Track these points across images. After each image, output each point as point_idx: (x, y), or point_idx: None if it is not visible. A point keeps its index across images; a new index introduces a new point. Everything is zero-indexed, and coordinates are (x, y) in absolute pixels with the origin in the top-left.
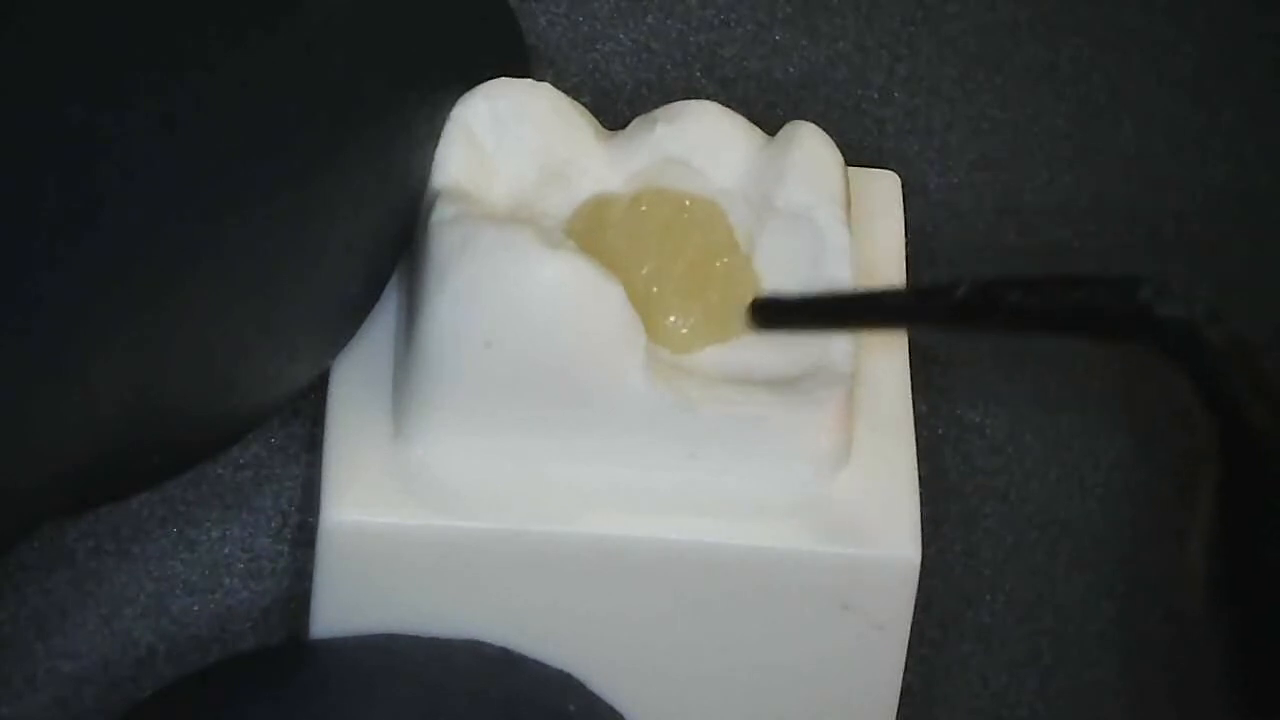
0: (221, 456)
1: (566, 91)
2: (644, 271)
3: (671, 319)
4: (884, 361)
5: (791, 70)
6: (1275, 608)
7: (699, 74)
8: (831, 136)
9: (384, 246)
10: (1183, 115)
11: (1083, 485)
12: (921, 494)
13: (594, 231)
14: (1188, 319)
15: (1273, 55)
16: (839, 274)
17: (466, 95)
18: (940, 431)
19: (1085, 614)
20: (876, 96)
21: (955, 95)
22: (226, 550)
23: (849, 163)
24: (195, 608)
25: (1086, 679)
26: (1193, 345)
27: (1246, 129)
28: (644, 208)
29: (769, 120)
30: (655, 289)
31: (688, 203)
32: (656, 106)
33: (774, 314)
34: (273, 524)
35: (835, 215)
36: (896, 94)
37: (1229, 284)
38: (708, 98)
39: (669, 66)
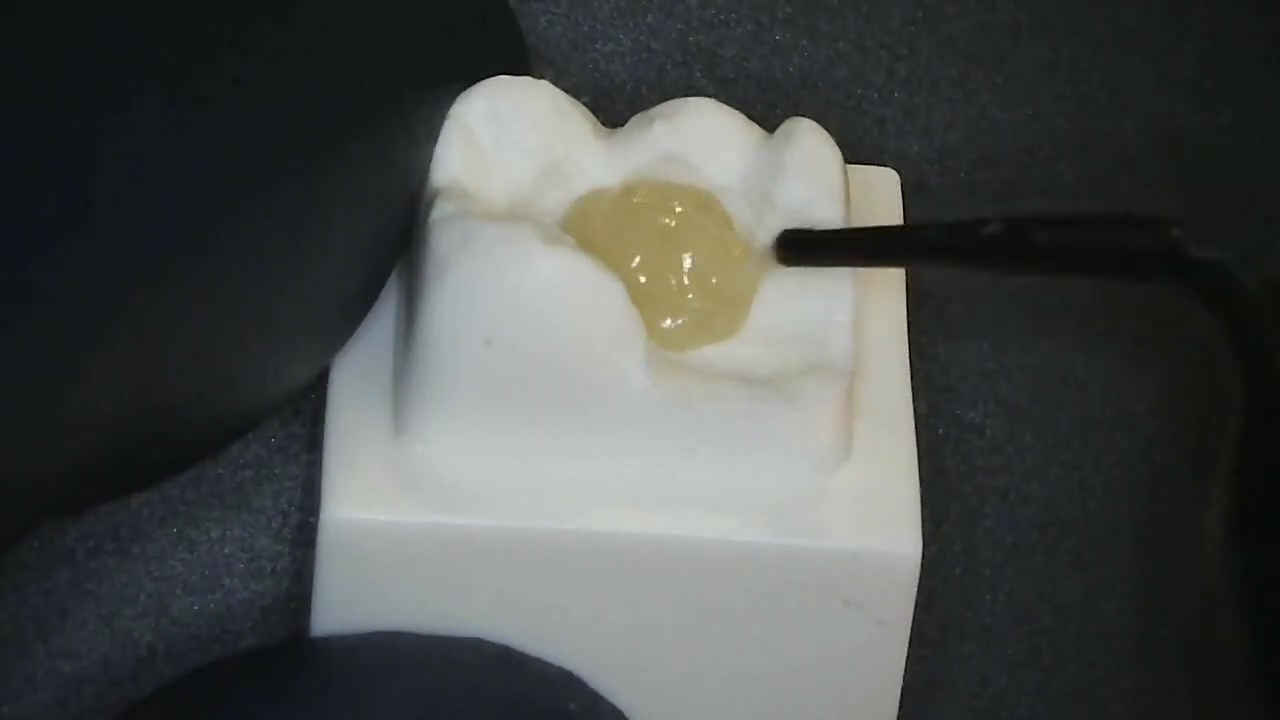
0: (221, 456)
1: (566, 91)
2: (635, 264)
3: (666, 318)
4: (884, 358)
5: (791, 70)
6: None
7: (699, 74)
8: (832, 136)
9: (383, 245)
10: (1183, 115)
11: (1083, 485)
12: (921, 493)
13: (585, 224)
14: (1220, 259)
15: (1273, 55)
16: (837, 270)
17: (465, 93)
18: (940, 431)
19: (1085, 614)
20: (876, 96)
21: (955, 95)
22: (226, 550)
23: (849, 162)
24: (195, 608)
25: (1086, 679)
26: (1224, 287)
27: (1246, 129)
28: (641, 201)
29: (769, 120)
30: (648, 283)
31: (683, 195)
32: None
33: (801, 248)
34: (273, 524)
35: (834, 211)
36: (896, 94)
37: None
38: (707, 97)
39: (669, 66)
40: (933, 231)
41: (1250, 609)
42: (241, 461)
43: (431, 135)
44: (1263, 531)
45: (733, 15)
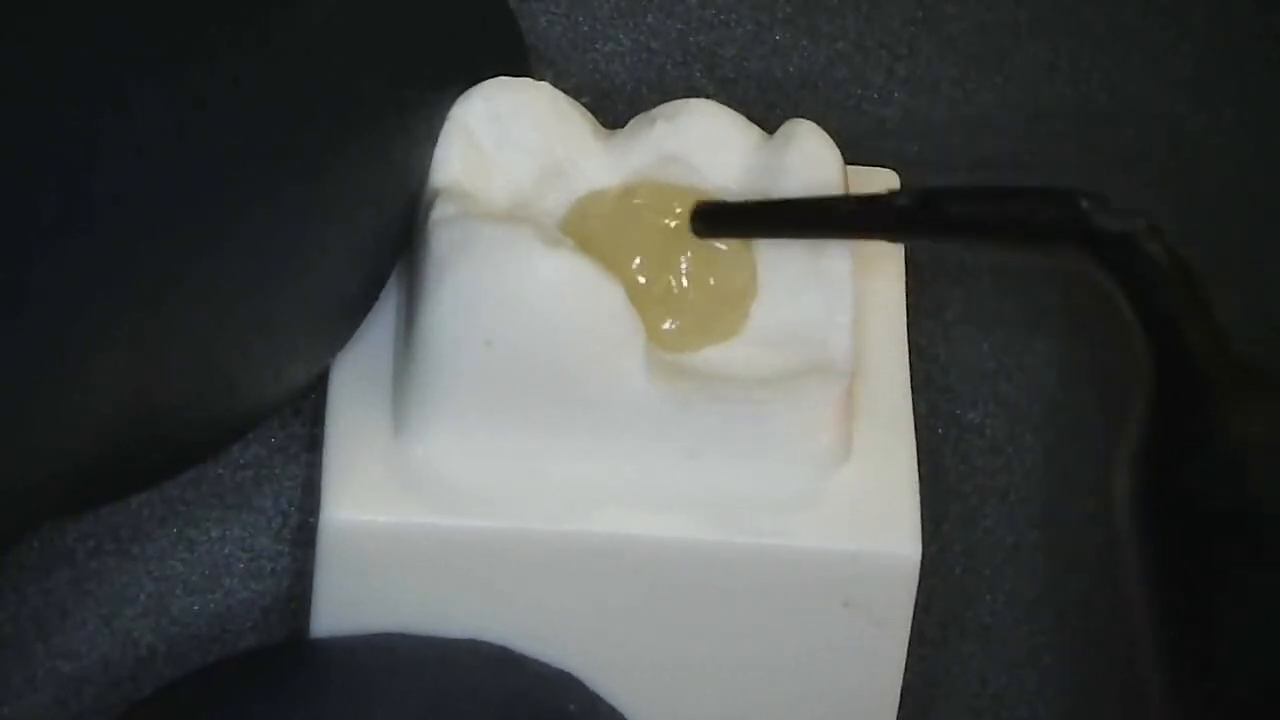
0: (221, 456)
1: (566, 92)
2: (635, 265)
3: (666, 319)
4: (884, 359)
5: (791, 70)
6: (1195, 522)
7: (699, 74)
8: (831, 136)
9: (383, 246)
10: (1183, 115)
11: (1083, 485)
12: (921, 493)
13: (585, 226)
14: (1125, 231)
15: (1273, 55)
16: (838, 268)
17: (465, 94)
18: (940, 431)
19: (1085, 614)
20: (876, 96)
21: (955, 95)
22: (226, 550)
23: (849, 162)
24: (195, 608)
25: (1086, 679)
26: (1128, 258)
27: (1246, 129)
28: (641, 202)
29: (769, 120)
30: (647, 285)
31: (683, 197)
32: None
33: (716, 220)
34: (273, 524)
35: None
36: (896, 94)
37: (1228, 283)
38: (707, 97)
39: (669, 66)
40: (846, 204)
41: (1153, 582)
42: (241, 461)
43: (431, 136)
44: (1166, 502)
45: (733, 15)
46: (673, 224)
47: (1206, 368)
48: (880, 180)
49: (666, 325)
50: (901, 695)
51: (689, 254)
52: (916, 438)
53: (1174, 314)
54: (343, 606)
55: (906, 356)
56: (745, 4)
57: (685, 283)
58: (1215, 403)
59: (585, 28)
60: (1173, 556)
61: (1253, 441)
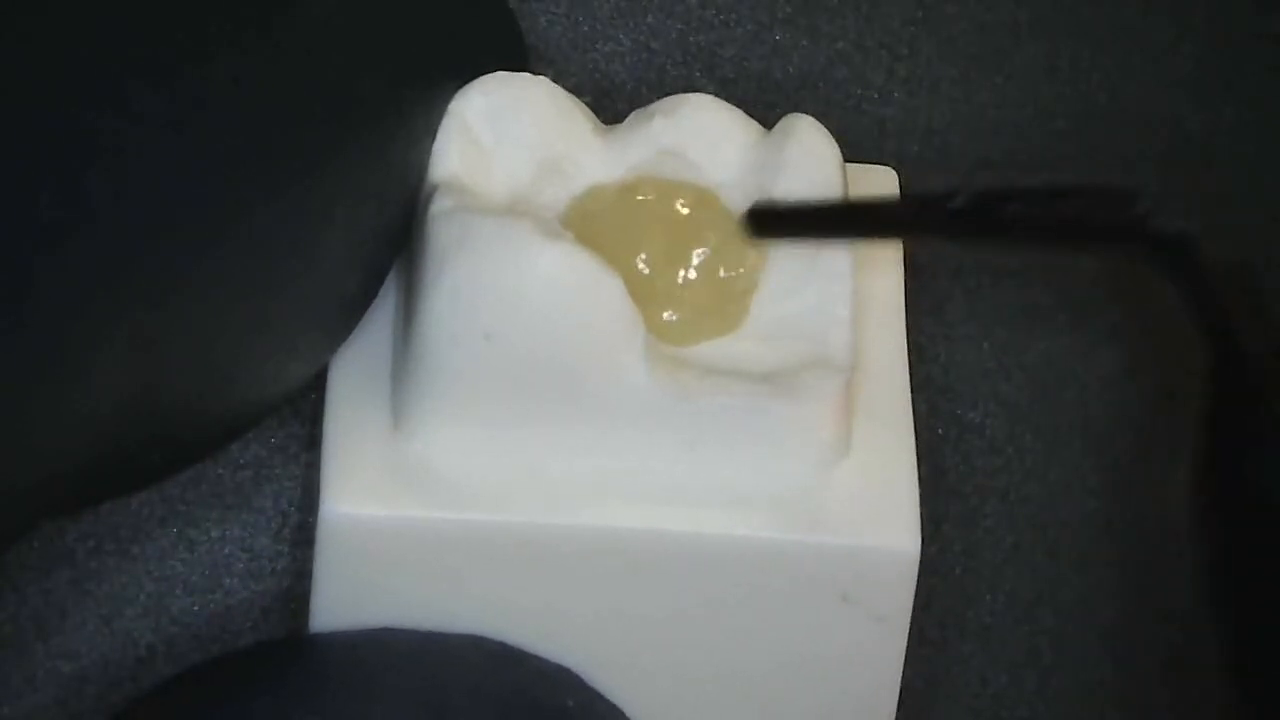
0: (221, 456)
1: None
2: (634, 260)
3: (666, 313)
4: (883, 354)
5: (791, 70)
6: (1259, 534)
7: (699, 74)
8: (832, 136)
9: (382, 243)
10: (1183, 115)
11: (1083, 485)
12: (921, 493)
13: (584, 220)
14: (1183, 233)
15: (1273, 55)
16: (837, 266)
17: (464, 89)
18: (940, 431)
19: (1085, 614)
20: (876, 96)
21: (955, 95)
22: (226, 550)
23: (848, 162)
24: (195, 608)
25: (1086, 679)
26: (1186, 260)
27: (1246, 129)
28: (640, 196)
29: (769, 120)
30: (647, 279)
31: (682, 191)
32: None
33: (770, 222)
34: (273, 524)
35: None
36: (896, 94)
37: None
38: None
39: (669, 66)
40: (901, 205)
41: (1220, 583)
42: (241, 461)
43: (431, 133)
44: (1231, 503)
45: (733, 15)
46: (672, 218)
47: (1266, 368)
48: (879, 178)
49: (666, 319)
50: (901, 695)
51: (688, 248)
52: (916, 437)
53: (1232, 316)
54: (342, 601)
55: (906, 352)
56: (745, 4)
57: (685, 277)
58: (1275, 401)
59: (585, 28)
60: (1238, 557)
61: None
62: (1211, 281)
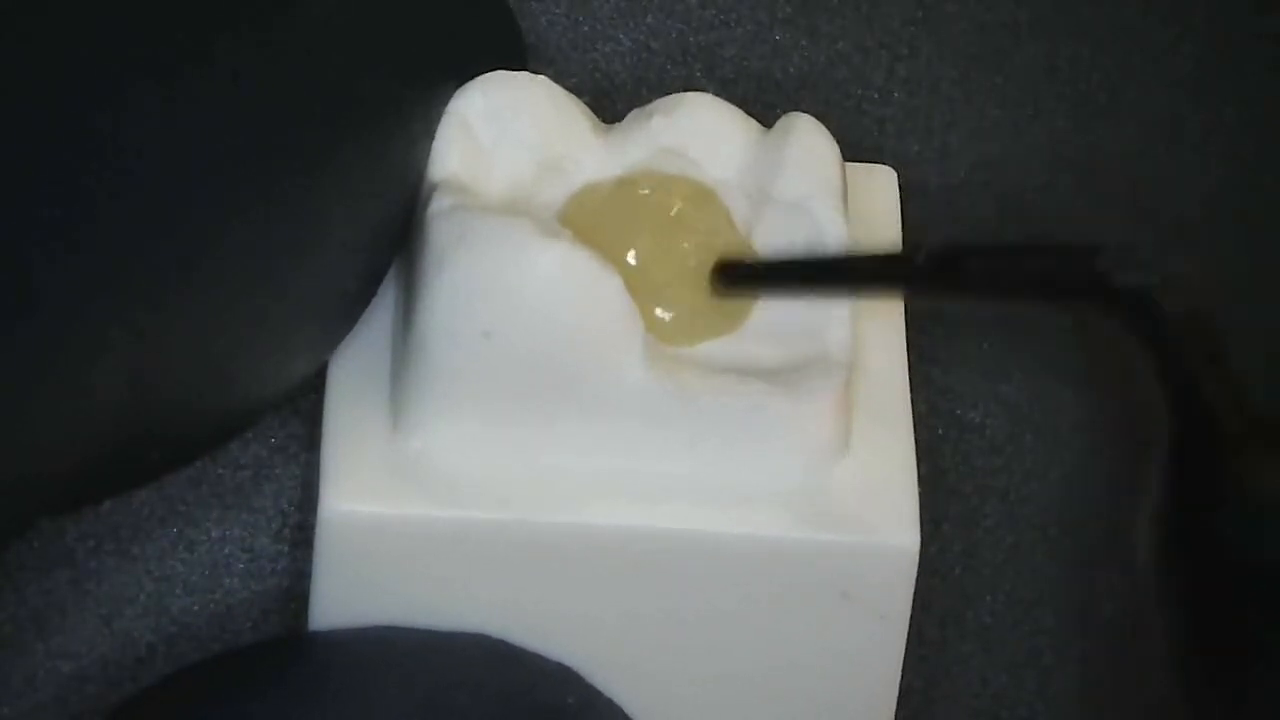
0: (221, 456)
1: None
2: (633, 258)
3: (665, 311)
4: (881, 353)
5: (791, 70)
6: (1219, 581)
7: (699, 74)
8: (832, 136)
9: (381, 241)
10: (1183, 115)
11: (1083, 485)
12: (921, 494)
13: (583, 218)
14: (1142, 287)
15: (1273, 55)
16: None
17: (463, 89)
18: (940, 431)
19: (1085, 614)
20: (876, 96)
21: (955, 95)
22: (226, 550)
23: (848, 161)
24: (195, 608)
25: (1086, 679)
26: (1146, 314)
27: (1246, 129)
28: (635, 193)
29: (769, 120)
30: (646, 277)
31: (681, 189)
32: None
33: (737, 277)
34: (273, 524)
35: (832, 206)
36: (896, 94)
37: (1228, 283)
38: None
39: (669, 66)
40: (865, 261)
41: (1182, 636)
42: (241, 461)
43: (430, 133)
44: (1188, 558)
45: (733, 15)
46: (671, 217)
47: (1225, 423)
48: (879, 178)
49: (666, 317)
50: (901, 695)
51: (689, 246)
52: (916, 437)
53: (1191, 370)
54: (341, 599)
55: (904, 351)
56: (745, 4)
57: (684, 276)
58: (1234, 458)
59: (585, 28)
60: (1197, 614)
61: (1272, 497)
62: (1171, 338)
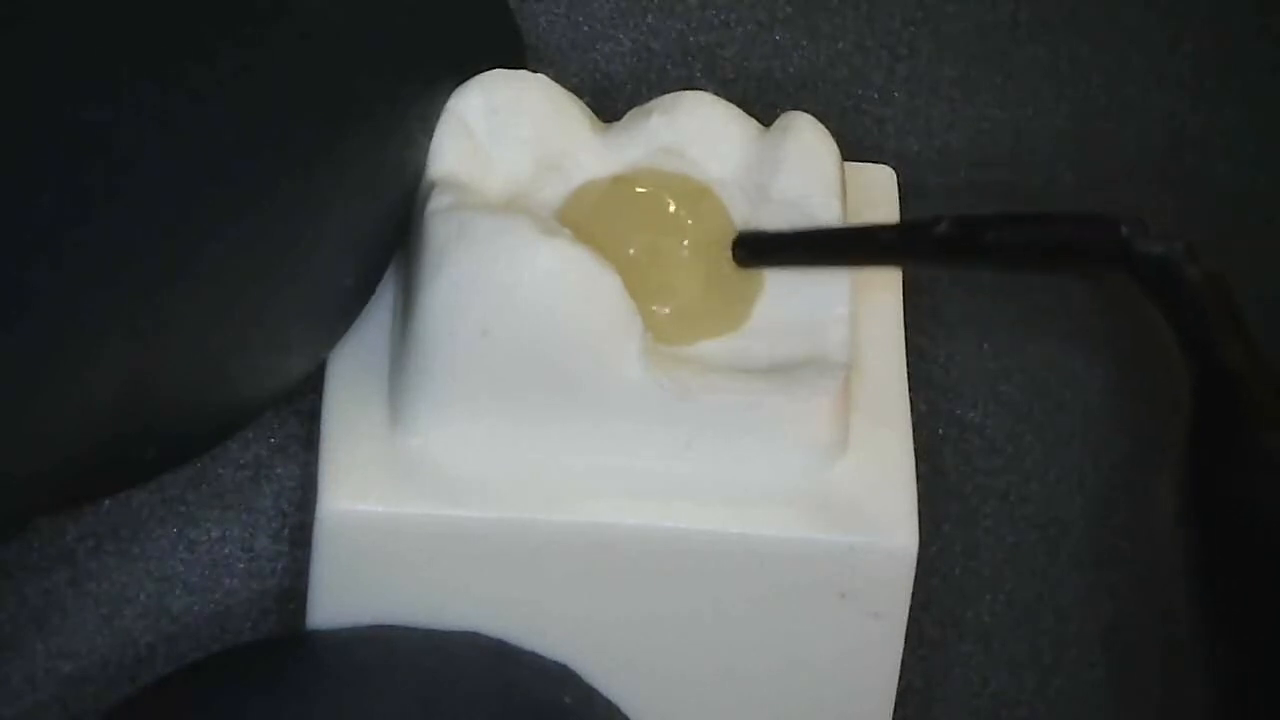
0: (221, 456)
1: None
2: (632, 256)
3: (663, 310)
4: (880, 352)
5: (791, 70)
6: (1241, 547)
7: (699, 74)
8: (831, 136)
9: (380, 239)
10: (1183, 115)
11: (1083, 485)
12: (921, 494)
13: (582, 216)
14: (1165, 255)
15: (1273, 55)
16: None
17: (461, 87)
18: (940, 431)
19: (1085, 614)
20: (876, 96)
21: (955, 95)
22: (226, 550)
23: (848, 161)
24: (195, 608)
25: (1086, 679)
26: (1169, 281)
27: (1246, 129)
28: (633, 192)
29: (769, 120)
30: (644, 276)
31: (680, 188)
32: None
33: (758, 248)
34: (273, 524)
35: (831, 205)
36: (896, 94)
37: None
38: None
39: (669, 66)
40: (885, 231)
41: (1204, 598)
42: (241, 461)
43: (428, 131)
44: (1211, 520)
45: (733, 15)
46: (670, 216)
47: (1245, 383)
48: (878, 177)
49: (664, 316)
50: (901, 695)
51: (688, 244)
52: (916, 438)
53: (1212, 334)
54: (339, 598)
55: (903, 350)
56: (745, 4)
57: (682, 274)
58: (1258, 420)
59: (585, 28)
60: (1219, 571)
61: None
62: (1194, 303)
